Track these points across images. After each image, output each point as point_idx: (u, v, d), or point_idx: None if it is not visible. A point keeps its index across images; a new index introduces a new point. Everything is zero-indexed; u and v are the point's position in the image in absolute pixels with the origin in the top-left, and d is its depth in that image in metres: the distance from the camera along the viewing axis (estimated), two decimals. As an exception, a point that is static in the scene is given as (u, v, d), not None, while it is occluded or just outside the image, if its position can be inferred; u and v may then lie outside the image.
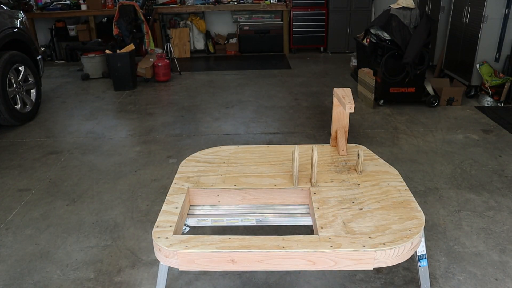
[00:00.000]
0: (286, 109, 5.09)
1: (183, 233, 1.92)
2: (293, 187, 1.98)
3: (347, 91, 2.30)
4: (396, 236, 1.59)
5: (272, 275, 2.34)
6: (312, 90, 5.79)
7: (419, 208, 1.77)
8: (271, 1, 7.92)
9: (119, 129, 4.54)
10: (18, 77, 4.63)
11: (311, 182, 1.98)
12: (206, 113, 4.95)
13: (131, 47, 5.97)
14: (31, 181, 3.47)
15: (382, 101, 5.05)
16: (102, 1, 7.57)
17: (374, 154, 2.28)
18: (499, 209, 2.97)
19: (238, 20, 8.11)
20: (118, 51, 5.86)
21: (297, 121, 4.69)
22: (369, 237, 1.59)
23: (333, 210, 1.77)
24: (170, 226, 1.71)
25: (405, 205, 1.79)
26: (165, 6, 7.81)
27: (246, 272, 2.32)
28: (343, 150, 2.28)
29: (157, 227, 1.71)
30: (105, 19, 7.91)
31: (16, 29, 4.67)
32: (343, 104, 2.20)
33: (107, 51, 5.89)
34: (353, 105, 2.15)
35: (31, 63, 4.86)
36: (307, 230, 2.53)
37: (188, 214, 1.98)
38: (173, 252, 1.58)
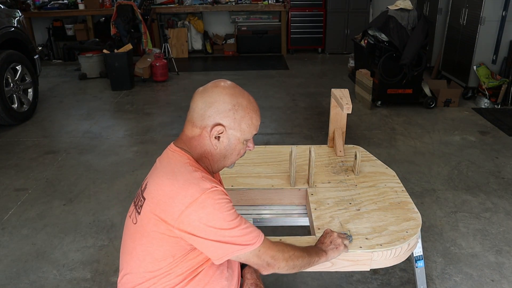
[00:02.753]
0: (284, 109, 5.09)
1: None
2: (290, 188, 1.98)
3: (345, 92, 2.31)
4: (393, 237, 1.59)
5: (268, 276, 2.33)
6: (309, 91, 5.79)
7: (416, 209, 1.77)
8: (269, 1, 7.92)
9: (116, 129, 4.53)
10: (15, 77, 4.61)
11: (308, 183, 1.98)
12: (204, 114, 4.94)
13: (128, 47, 5.96)
14: (27, 180, 3.46)
15: (379, 102, 5.06)
16: (100, 1, 7.55)
17: (371, 155, 2.28)
18: (495, 210, 2.98)
19: (236, 20, 8.10)
20: (115, 51, 5.84)
21: (295, 121, 4.70)
22: (366, 238, 1.59)
23: (330, 211, 1.77)
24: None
25: (402, 206, 1.79)
26: (163, 6, 7.79)
27: (243, 272, 2.32)
28: (340, 151, 2.28)
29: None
30: (103, 18, 7.89)
31: (13, 28, 4.66)
32: (340, 105, 2.20)
33: (104, 50, 5.87)
34: (351, 106, 2.15)
35: (28, 63, 4.85)
36: (304, 231, 2.52)
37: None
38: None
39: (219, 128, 1.25)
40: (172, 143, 1.33)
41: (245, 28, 8.07)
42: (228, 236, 1.20)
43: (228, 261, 1.34)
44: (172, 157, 1.28)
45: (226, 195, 1.23)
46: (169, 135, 4.23)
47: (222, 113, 1.24)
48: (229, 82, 1.30)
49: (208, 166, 1.32)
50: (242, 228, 1.22)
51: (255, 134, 1.33)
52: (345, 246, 1.48)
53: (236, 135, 1.28)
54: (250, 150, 1.37)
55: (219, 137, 1.27)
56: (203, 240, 1.19)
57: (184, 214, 1.16)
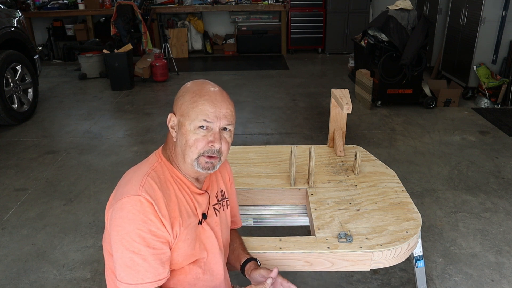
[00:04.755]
0: (284, 109, 5.09)
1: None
2: (290, 188, 1.98)
3: (345, 92, 2.31)
4: (393, 237, 1.59)
5: (269, 276, 2.34)
6: (309, 91, 5.79)
7: (416, 209, 1.77)
8: (269, 1, 7.92)
9: (116, 129, 4.53)
10: (15, 77, 4.61)
11: (308, 183, 1.98)
12: (204, 114, 4.94)
13: (128, 47, 5.96)
14: (27, 180, 3.46)
15: (379, 102, 5.06)
16: (100, 1, 7.55)
17: (371, 155, 2.28)
18: (495, 210, 2.98)
19: (236, 20, 8.10)
20: (115, 51, 5.84)
21: (295, 121, 4.70)
22: (366, 238, 1.59)
23: (330, 211, 1.77)
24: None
25: (402, 206, 1.79)
26: (163, 6, 7.80)
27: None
28: (340, 151, 2.28)
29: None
30: (103, 18, 7.89)
31: (13, 28, 4.66)
32: (340, 105, 2.20)
33: (104, 50, 5.87)
34: (351, 106, 2.15)
35: (28, 63, 4.85)
36: (304, 231, 2.53)
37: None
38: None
39: (169, 115, 1.26)
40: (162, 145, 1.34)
41: (245, 28, 8.07)
42: (118, 252, 1.14)
43: (206, 263, 1.32)
44: (150, 156, 1.31)
45: (153, 214, 1.14)
46: (169, 135, 4.21)
47: (174, 101, 1.26)
48: (202, 79, 1.29)
49: (181, 164, 1.25)
50: (134, 259, 1.13)
51: (208, 122, 1.19)
52: None
53: (181, 121, 1.21)
54: (214, 146, 1.20)
55: (174, 127, 1.25)
56: (111, 242, 1.17)
57: (112, 208, 1.17)
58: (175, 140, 1.24)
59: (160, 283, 1.18)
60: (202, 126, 1.20)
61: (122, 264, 1.14)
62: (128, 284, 1.14)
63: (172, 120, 1.25)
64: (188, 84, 1.27)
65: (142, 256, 1.13)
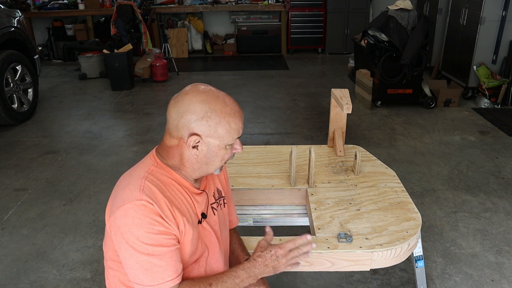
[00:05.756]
0: (284, 109, 5.09)
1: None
2: (290, 188, 1.98)
3: (345, 92, 2.31)
4: (393, 237, 1.59)
5: (269, 276, 2.34)
6: (309, 91, 5.79)
7: (416, 209, 1.77)
8: (269, 1, 7.92)
9: (116, 129, 4.53)
10: (15, 77, 4.61)
11: (308, 183, 1.98)
12: (204, 114, 4.94)
13: (128, 47, 5.96)
14: (27, 180, 3.46)
15: (379, 102, 5.06)
16: (100, 1, 7.55)
17: (371, 155, 2.28)
18: (495, 210, 2.98)
19: (236, 20, 8.10)
20: (115, 51, 5.84)
21: (295, 121, 4.70)
22: (366, 238, 1.59)
23: (330, 211, 1.77)
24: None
25: (402, 206, 1.79)
26: (163, 6, 7.80)
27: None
28: (340, 151, 2.28)
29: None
30: (103, 18, 7.89)
31: (13, 28, 4.66)
32: (340, 105, 2.20)
33: (104, 50, 5.87)
34: (351, 106, 2.15)
35: (28, 62, 4.85)
36: (304, 231, 2.52)
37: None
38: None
39: (194, 137, 1.19)
40: (155, 147, 1.32)
41: (245, 28, 8.07)
42: (133, 258, 1.14)
43: (207, 262, 1.32)
44: (144, 159, 1.30)
45: (158, 215, 1.14)
46: (169, 135, 4.21)
47: (195, 122, 1.18)
48: (202, 87, 1.22)
49: (191, 172, 1.26)
50: (151, 261, 1.14)
51: (238, 137, 1.26)
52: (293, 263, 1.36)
53: (214, 142, 1.21)
54: (238, 152, 1.30)
55: (197, 146, 1.21)
56: (118, 249, 1.17)
57: (114, 215, 1.16)
58: (196, 156, 1.22)
59: (181, 277, 1.20)
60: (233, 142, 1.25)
61: (139, 269, 1.14)
62: (151, 287, 1.15)
63: (194, 140, 1.20)
64: (201, 98, 1.20)
65: (158, 257, 1.14)
